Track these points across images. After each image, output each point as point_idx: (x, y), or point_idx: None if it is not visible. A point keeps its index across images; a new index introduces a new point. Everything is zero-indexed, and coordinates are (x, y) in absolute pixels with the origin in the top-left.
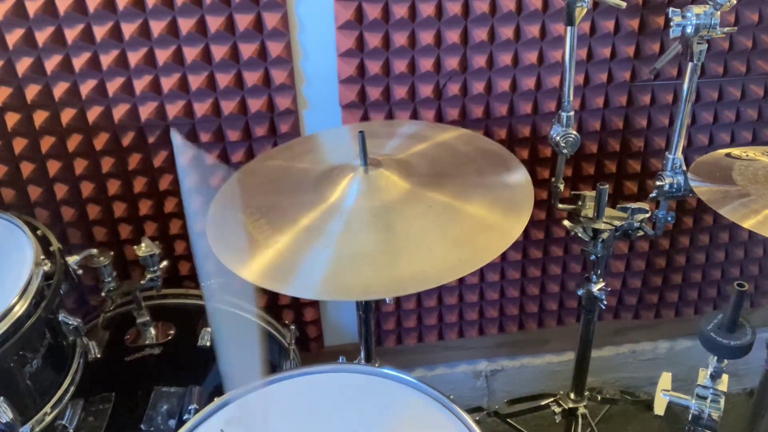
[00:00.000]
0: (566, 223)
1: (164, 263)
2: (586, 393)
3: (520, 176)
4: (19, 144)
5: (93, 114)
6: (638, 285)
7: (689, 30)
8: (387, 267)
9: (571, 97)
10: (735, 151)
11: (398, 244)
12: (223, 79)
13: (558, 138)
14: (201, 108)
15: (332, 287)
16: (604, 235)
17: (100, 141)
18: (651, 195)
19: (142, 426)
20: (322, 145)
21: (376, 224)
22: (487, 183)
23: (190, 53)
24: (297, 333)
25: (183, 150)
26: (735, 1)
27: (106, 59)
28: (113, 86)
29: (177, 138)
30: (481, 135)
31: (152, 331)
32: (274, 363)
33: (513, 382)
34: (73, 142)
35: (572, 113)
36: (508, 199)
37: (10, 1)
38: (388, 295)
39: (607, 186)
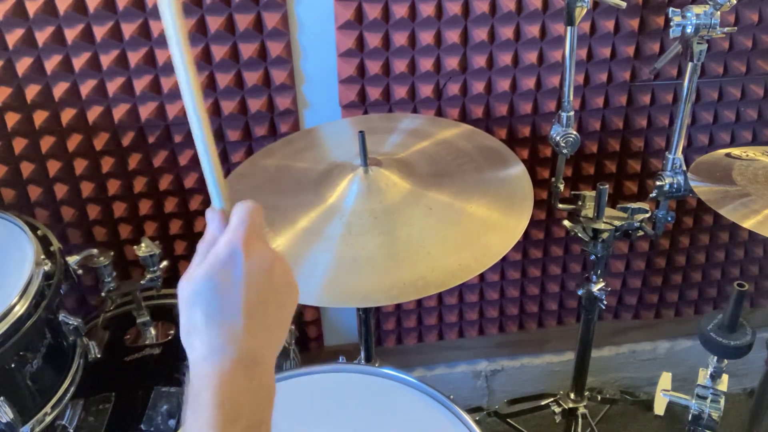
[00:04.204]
0: (566, 223)
1: (164, 263)
2: (586, 393)
3: (516, 169)
4: (19, 144)
5: (93, 114)
6: (638, 285)
7: (689, 30)
8: (387, 272)
9: (571, 97)
10: (735, 151)
11: (399, 249)
12: (223, 79)
13: (558, 138)
14: None
15: (333, 293)
16: (604, 235)
17: (100, 141)
18: (651, 195)
19: (142, 426)
20: (322, 140)
21: (376, 227)
22: (486, 179)
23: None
24: (297, 333)
25: None
26: (735, 1)
27: (106, 59)
28: (113, 86)
29: None
30: (479, 131)
31: (152, 331)
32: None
33: (513, 382)
34: (73, 142)
35: (572, 113)
36: (507, 195)
37: (10, 1)
38: (388, 302)
39: (607, 186)
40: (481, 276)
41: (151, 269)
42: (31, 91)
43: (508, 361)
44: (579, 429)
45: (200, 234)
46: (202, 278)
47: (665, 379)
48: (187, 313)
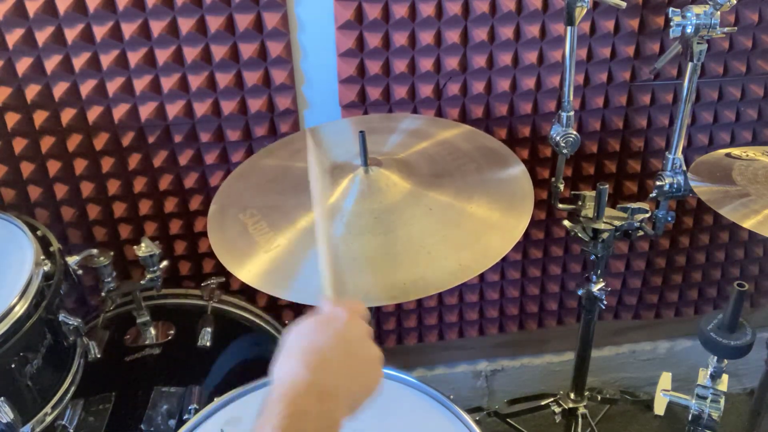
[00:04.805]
0: (566, 223)
1: (164, 263)
2: (586, 393)
3: (517, 169)
4: (19, 144)
5: (93, 114)
6: (638, 285)
7: (689, 30)
8: (387, 272)
9: (571, 97)
10: (735, 151)
11: (399, 249)
12: (223, 79)
13: (558, 138)
14: (201, 108)
15: (333, 293)
16: (604, 235)
17: (100, 141)
18: (651, 195)
19: (142, 426)
20: (322, 140)
21: (376, 227)
22: (486, 180)
23: (190, 53)
24: None
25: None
26: (735, 1)
27: (106, 59)
28: (113, 86)
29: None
30: (479, 131)
31: (152, 331)
32: None
33: (513, 382)
34: (73, 142)
35: (572, 113)
36: (508, 195)
37: (10, 1)
38: (388, 302)
39: (607, 186)
40: (481, 276)
41: (151, 269)
42: (31, 91)
43: (508, 361)
44: (579, 429)
45: (200, 234)
46: (308, 321)
47: (665, 379)
48: (286, 346)
